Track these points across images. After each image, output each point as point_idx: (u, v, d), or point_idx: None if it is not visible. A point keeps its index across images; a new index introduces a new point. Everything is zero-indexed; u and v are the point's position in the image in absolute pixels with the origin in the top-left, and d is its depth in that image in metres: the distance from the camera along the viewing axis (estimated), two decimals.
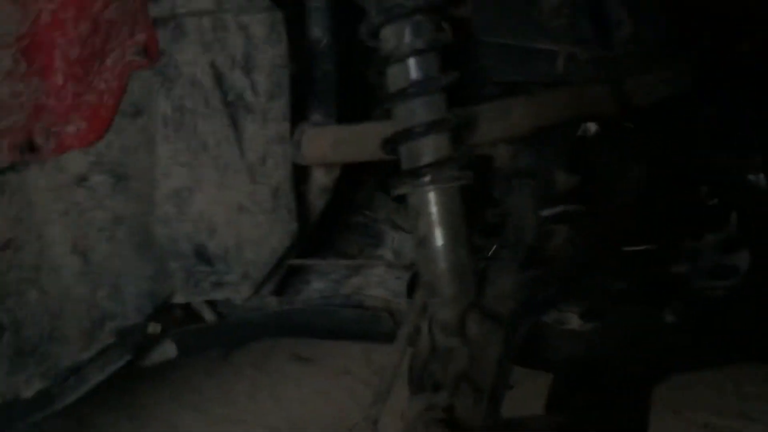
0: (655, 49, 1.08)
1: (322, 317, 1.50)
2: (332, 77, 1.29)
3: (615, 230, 1.15)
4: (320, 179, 1.34)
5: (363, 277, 1.63)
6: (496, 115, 1.11)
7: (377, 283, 1.58)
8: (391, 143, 1.06)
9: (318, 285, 1.68)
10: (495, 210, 1.30)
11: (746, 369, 1.66)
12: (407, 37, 1.03)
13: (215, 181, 1.31)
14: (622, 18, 1.07)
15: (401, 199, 1.72)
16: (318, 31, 1.23)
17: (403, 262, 1.61)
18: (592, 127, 1.18)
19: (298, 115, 1.25)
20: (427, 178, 1.03)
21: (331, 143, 1.21)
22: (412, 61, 1.03)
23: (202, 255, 1.36)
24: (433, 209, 1.04)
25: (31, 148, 1.14)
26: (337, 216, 1.58)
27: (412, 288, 1.61)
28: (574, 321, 1.18)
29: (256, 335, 1.58)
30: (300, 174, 1.31)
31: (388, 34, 1.05)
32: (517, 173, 1.12)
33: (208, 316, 1.51)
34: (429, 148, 1.03)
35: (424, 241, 1.06)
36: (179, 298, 1.36)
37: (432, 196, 1.03)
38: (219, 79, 1.23)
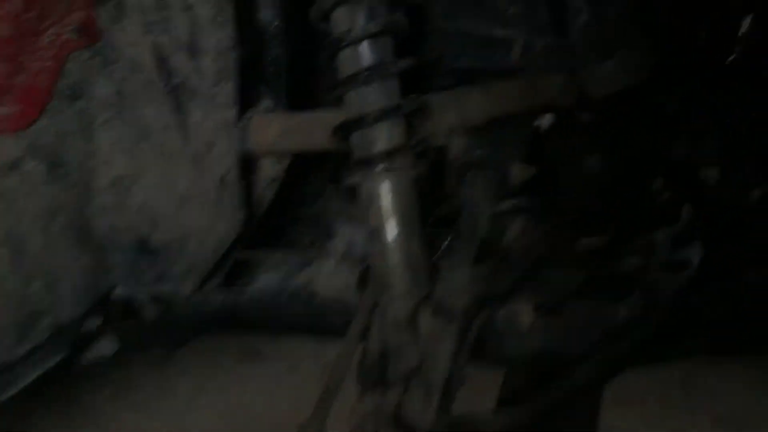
0: (614, 38, 1.07)
1: (271, 311, 1.46)
2: (283, 62, 1.24)
3: (570, 223, 1.14)
4: (269, 169, 1.29)
5: (314, 270, 1.59)
6: (450, 104, 1.08)
7: (329, 276, 1.54)
8: (342, 131, 1.02)
9: (267, 278, 1.63)
10: (448, 202, 1.27)
11: (695, 362, 1.68)
12: (361, 20, 0.99)
13: (158, 170, 1.26)
14: (580, 5, 1.05)
15: (354, 191, 1.70)
16: (268, 13, 1.18)
17: (356, 254, 1.57)
18: (547, 118, 1.16)
19: (247, 101, 1.20)
20: (379, 167, 0.99)
21: (279, 131, 1.16)
22: (365, 46, 0.99)
23: (144, 247, 1.31)
24: (386, 200, 1.00)
25: None
26: (287, 207, 1.53)
27: (364, 281, 1.58)
28: (526, 314, 1.16)
29: (201, 330, 1.52)
30: (248, 163, 1.26)
31: (340, 16, 1.01)
32: (471, 165, 1.09)
33: (150, 310, 1.46)
34: (382, 136, 0.99)
35: (375, 233, 1.02)
36: (120, 293, 1.30)
37: (384, 186, 1.00)
38: (162, 61, 1.18)
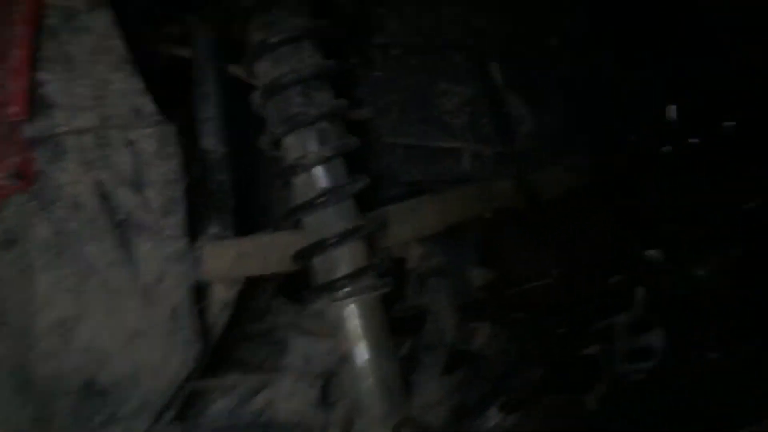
0: (556, 142, 1.11)
1: None
2: (227, 187, 1.23)
3: (534, 319, 1.14)
4: (222, 294, 1.26)
5: (272, 390, 1.52)
6: (405, 215, 1.09)
7: (288, 396, 1.49)
8: (303, 256, 1.00)
9: (222, 404, 1.55)
10: (404, 305, 1.27)
11: None
12: (312, 145, 0.99)
13: (105, 307, 1.21)
14: (523, 113, 1.09)
15: (304, 301, 1.67)
16: (211, 141, 1.17)
17: (313, 369, 1.53)
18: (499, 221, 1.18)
19: (193, 229, 1.17)
20: (345, 291, 0.98)
21: (234, 257, 1.14)
22: (319, 170, 0.99)
23: (91, 389, 1.25)
24: (355, 323, 0.98)
25: None
26: (235, 325, 1.48)
27: (326, 397, 1.53)
28: (493, 415, 1.15)
29: None
30: (199, 291, 1.23)
31: (291, 143, 1.01)
32: (431, 273, 1.08)
33: None
34: (345, 259, 0.98)
35: (347, 358, 1.00)
36: None
37: (352, 310, 0.98)
38: (105, 198, 1.14)
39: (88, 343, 1.21)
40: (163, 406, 1.32)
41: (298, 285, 1.63)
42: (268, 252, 1.12)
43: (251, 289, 1.47)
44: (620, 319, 1.19)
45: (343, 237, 0.98)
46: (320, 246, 0.98)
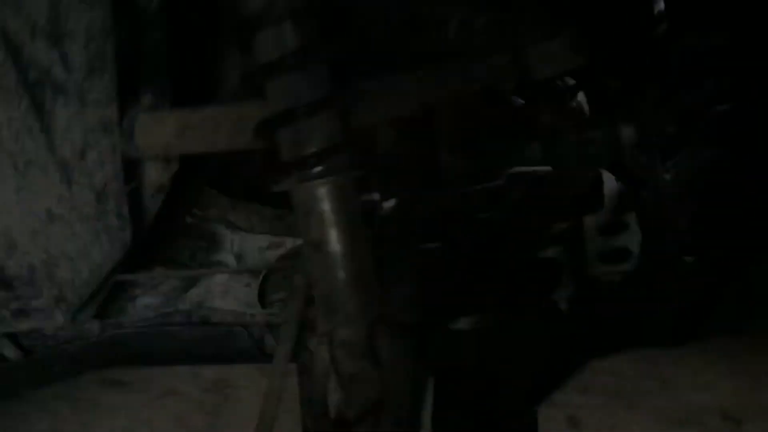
0: (557, 15, 0.98)
1: (160, 340, 1.25)
2: (163, 49, 1.05)
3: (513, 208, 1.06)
4: (155, 176, 1.10)
5: (203, 288, 1.39)
6: (381, 93, 0.95)
7: (222, 294, 1.36)
8: (268, 127, 0.85)
9: (146, 301, 1.41)
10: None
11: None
12: None
13: (13, 184, 1.04)
14: None
15: (236, 195, 1.51)
16: None
17: (248, 266, 1.40)
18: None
19: (124, 98, 1.00)
20: (316, 170, 0.84)
21: (175, 130, 0.97)
22: (289, 26, 0.83)
23: None
24: (326, 207, 0.85)
25: None
26: (161, 218, 1.32)
27: (263, 296, 1.41)
28: (461, 320, 1.07)
29: (76, 370, 1.29)
30: (129, 170, 1.06)
31: None
32: (401, 158, 0.96)
33: (10, 352, 1.22)
34: (316, 133, 0.84)
35: (317, 247, 0.87)
36: None
37: (324, 192, 0.85)
38: (15, 52, 0.95)
39: None
40: (83, 300, 1.17)
41: (227, 173, 1.48)
42: (218, 125, 0.96)
43: (178, 178, 1.30)
44: (589, 219, 1.11)
45: (318, 107, 0.83)
46: (290, 116, 0.84)
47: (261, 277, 1.35)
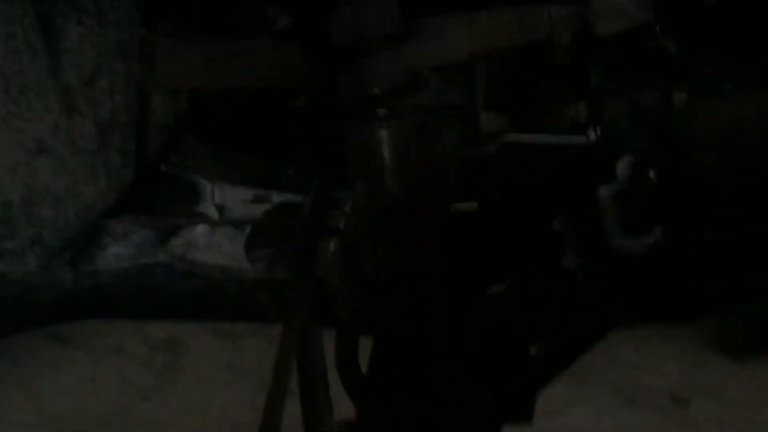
0: None
1: (141, 293, 1.17)
2: None
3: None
4: (162, 112, 1.01)
5: (184, 240, 1.30)
6: (429, 36, 0.89)
7: (206, 247, 1.27)
8: (328, 62, 0.78)
9: (117, 251, 1.31)
10: None
11: None
12: None
13: (2, 110, 0.94)
14: None
15: (214, 143, 1.42)
16: None
17: (231, 218, 1.32)
18: None
19: (150, 20, 0.91)
20: (380, 112, 0.78)
21: (202, 61, 0.89)
22: None
23: None
24: (386, 153, 0.79)
25: None
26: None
27: (249, 251, 1.33)
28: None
29: (46, 320, 1.18)
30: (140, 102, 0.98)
31: None
32: (441, 110, 0.91)
33: None
34: (383, 71, 0.78)
35: (373, 197, 0.81)
36: None
37: (385, 135, 0.79)
38: None
39: None
40: (60, 245, 1.07)
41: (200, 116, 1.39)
42: (253, 58, 0.89)
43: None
44: (604, 189, 1.09)
45: (386, 42, 0.77)
46: (357, 50, 0.77)
47: (248, 232, 1.28)
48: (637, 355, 1.87)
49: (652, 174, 1.03)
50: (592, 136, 1.08)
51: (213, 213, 1.36)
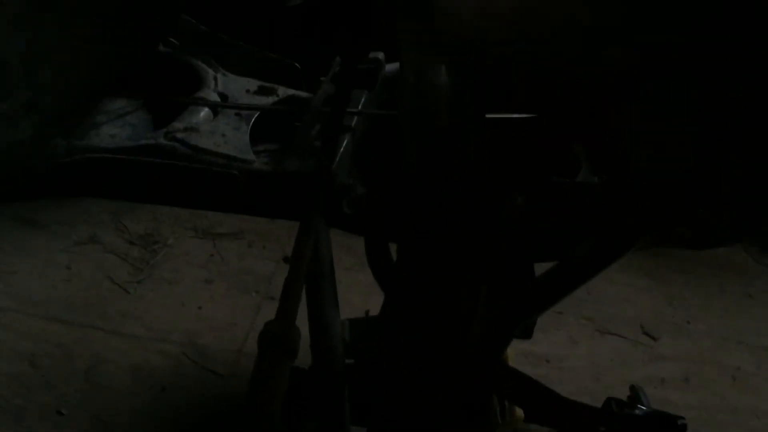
0: None
1: (138, 173, 1.11)
2: None
3: None
4: None
5: (185, 124, 1.23)
6: None
7: (209, 134, 1.21)
8: None
9: (112, 131, 1.24)
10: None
11: None
12: None
13: None
14: None
15: (214, 26, 1.34)
16: None
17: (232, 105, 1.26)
18: None
19: None
20: None
21: None
22: None
23: None
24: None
25: None
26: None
27: (253, 140, 1.27)
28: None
29: (42, 190, 1.12)
30: None
31: None
32: None
33: None
34: None
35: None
36: None
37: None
38: None
39: None
40: (56, 112, 1.01)
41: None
42: None
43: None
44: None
45: None
46: None
47: (252, 121, 1.21)
48: (612, 287, 1.90)
49: None
50: None
51: (215, 99, 1.30)
